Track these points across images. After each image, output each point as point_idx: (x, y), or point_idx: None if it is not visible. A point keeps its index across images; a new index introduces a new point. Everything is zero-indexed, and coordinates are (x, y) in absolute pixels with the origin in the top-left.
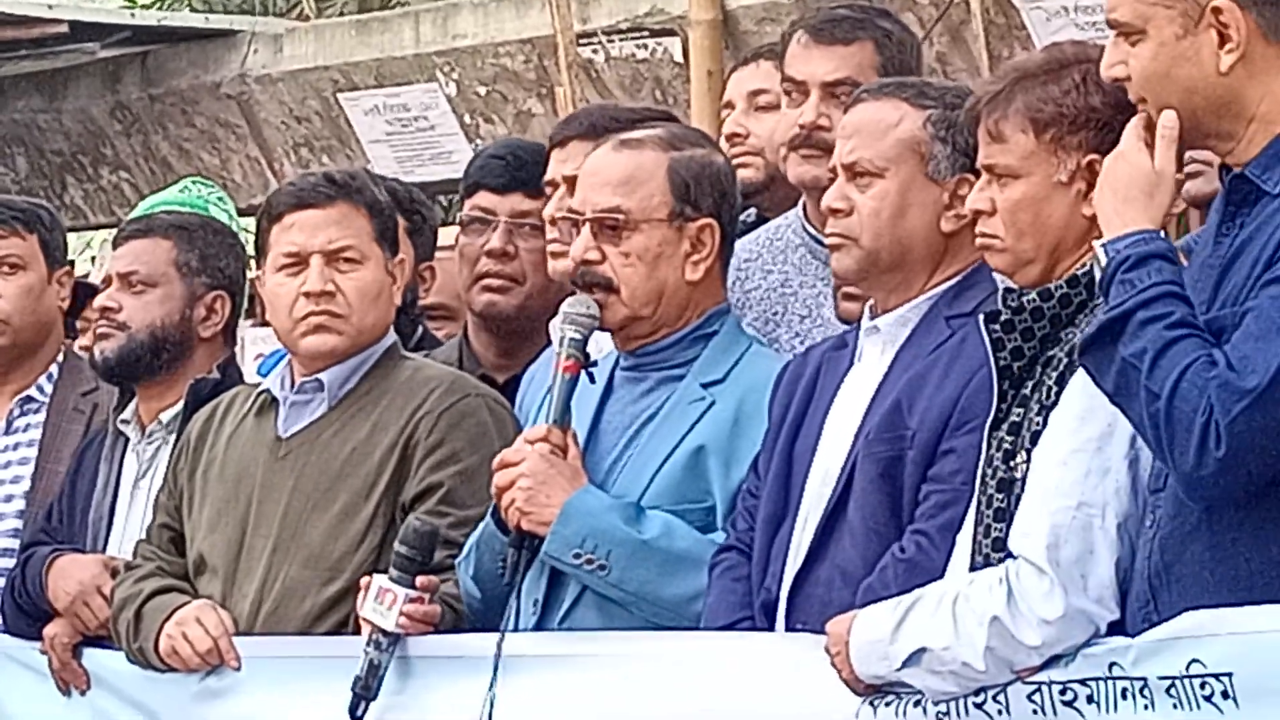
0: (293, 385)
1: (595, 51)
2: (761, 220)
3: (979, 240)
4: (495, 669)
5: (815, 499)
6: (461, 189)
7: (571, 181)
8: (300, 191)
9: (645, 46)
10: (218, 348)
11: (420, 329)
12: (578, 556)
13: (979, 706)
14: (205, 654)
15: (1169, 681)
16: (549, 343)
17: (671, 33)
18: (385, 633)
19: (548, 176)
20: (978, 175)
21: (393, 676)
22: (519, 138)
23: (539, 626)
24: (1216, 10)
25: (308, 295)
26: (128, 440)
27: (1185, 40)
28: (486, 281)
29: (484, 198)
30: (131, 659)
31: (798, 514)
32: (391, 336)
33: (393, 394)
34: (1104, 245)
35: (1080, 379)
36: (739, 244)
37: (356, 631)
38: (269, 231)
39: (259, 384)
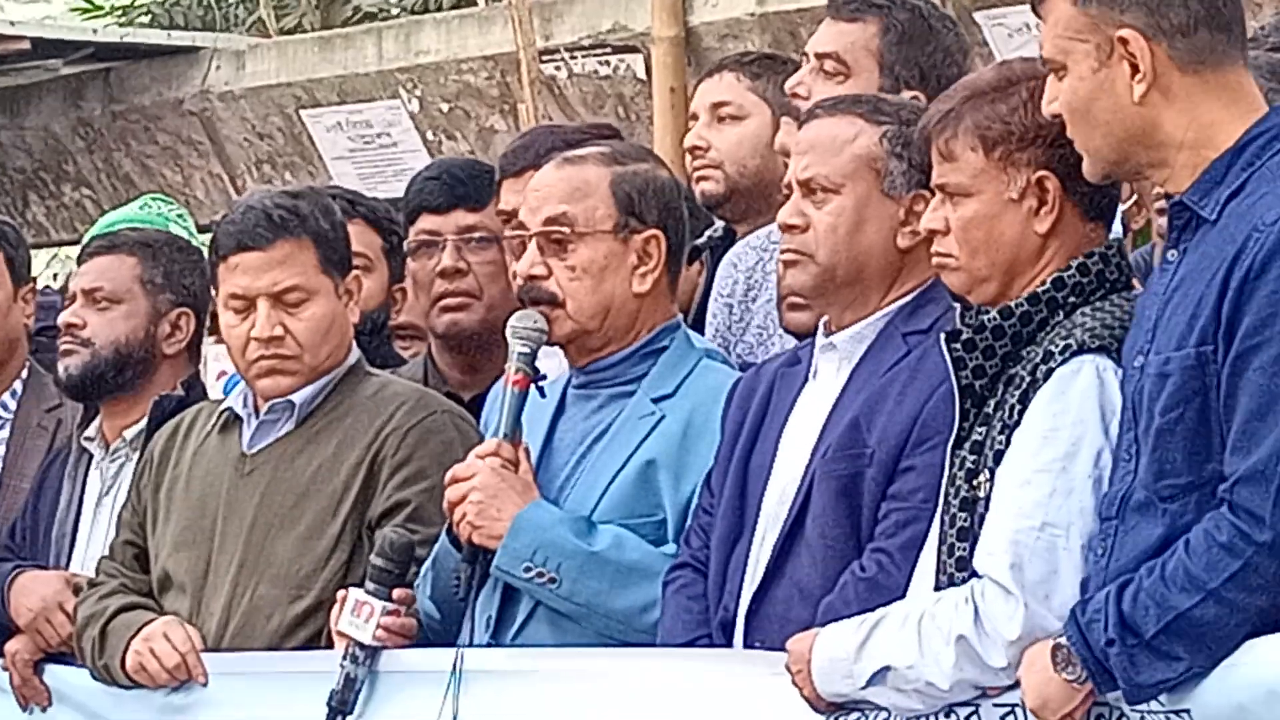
0: (255, 405)
1: (558, 68)
2: (730, 232)
3: (935, 260)
4: (454, 684)
5: (772, 517)
6: (403, 217)
7: None
8: (240, 233)
9: (608, 63)
10: (182, 364)
11: (387, 349)
12: (528, 570)
13: None
14: (173, 669)
15: (1140, 713)
16: None
17: (634, 49)
18: (362, 646)
19: (507, 207)
20: (933, 192)
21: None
22: (452, 156)
23: (493, 643)
24: (1123, 41)
25: (257, 340)
26: (91, 457)
27: (1101, 73)
28: (444, 302)
29: (427, 220)
30: (96, 676)
31: (754, 532)
32: (355, 354)
33: (358, 411)
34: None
35: (1043, 398)
36: (771, 228)
37: (325, 648)
38: (216, 268)
39: (222, 401)
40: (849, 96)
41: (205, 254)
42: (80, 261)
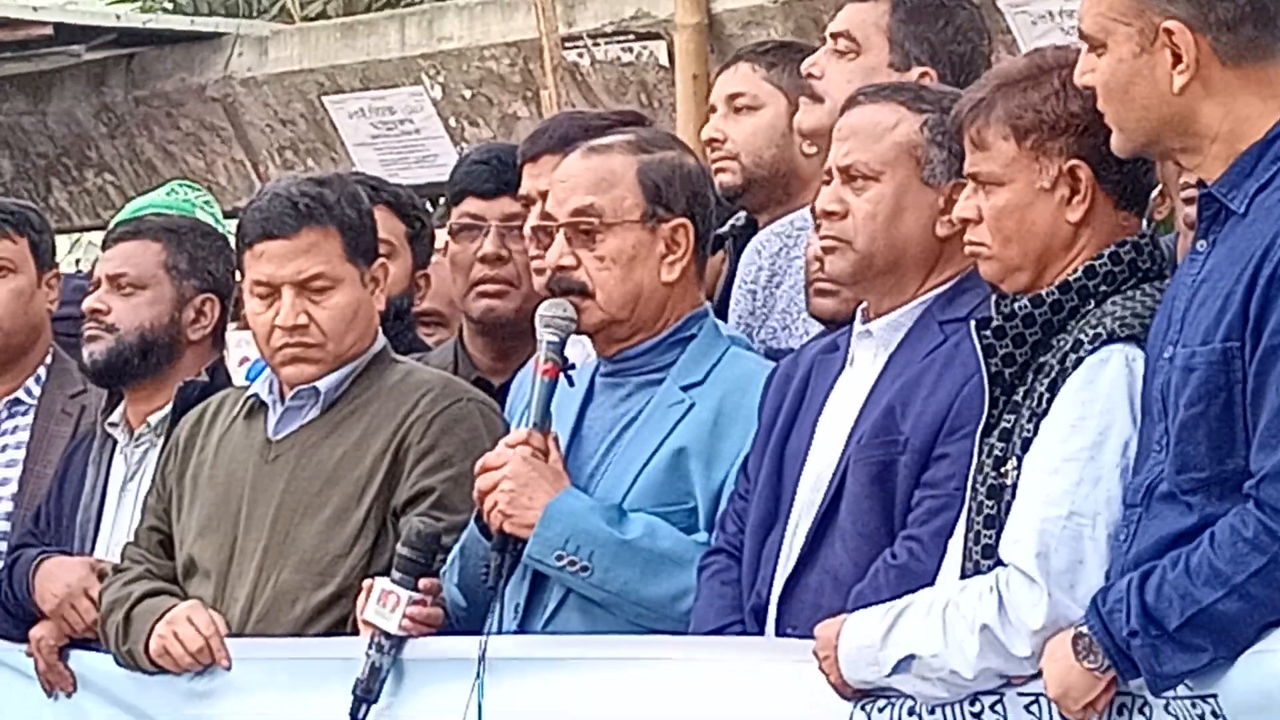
0: (280, 391)
1: (581, 55)
2: (752, 221)
3: (968, 249)
4: (479, 673)
5: (806, 503)
6: (448, 197)
7: (545, 196)
8: (266, 220)
9: (630, 50)
10: (206, 350)
11: (411, 334)
12: (560, 558)
13: (976, 716)
14: (196, 653)
15: (1165, 700)
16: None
17: (657, 36)
18: (388, 635)
19: (523, 191)
20: (967, 181)
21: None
22: (502, 142)
23: (521, 631)
24: (1169, 32)
25: (281, 328)
26: (116, 443)
27: (1142, 58)
28: (483, 288)
29: (472, 204)
30: (120, 661)
31: (789, 518)
32: (381, 341)
33: (384, 398)
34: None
35: (1072, 386)
36: (798, 212)
37: (349, 634)
38: (242, 254)
39: (247, 387)
40: (891, 84)
41: (230, 240)
42: (105, 247)
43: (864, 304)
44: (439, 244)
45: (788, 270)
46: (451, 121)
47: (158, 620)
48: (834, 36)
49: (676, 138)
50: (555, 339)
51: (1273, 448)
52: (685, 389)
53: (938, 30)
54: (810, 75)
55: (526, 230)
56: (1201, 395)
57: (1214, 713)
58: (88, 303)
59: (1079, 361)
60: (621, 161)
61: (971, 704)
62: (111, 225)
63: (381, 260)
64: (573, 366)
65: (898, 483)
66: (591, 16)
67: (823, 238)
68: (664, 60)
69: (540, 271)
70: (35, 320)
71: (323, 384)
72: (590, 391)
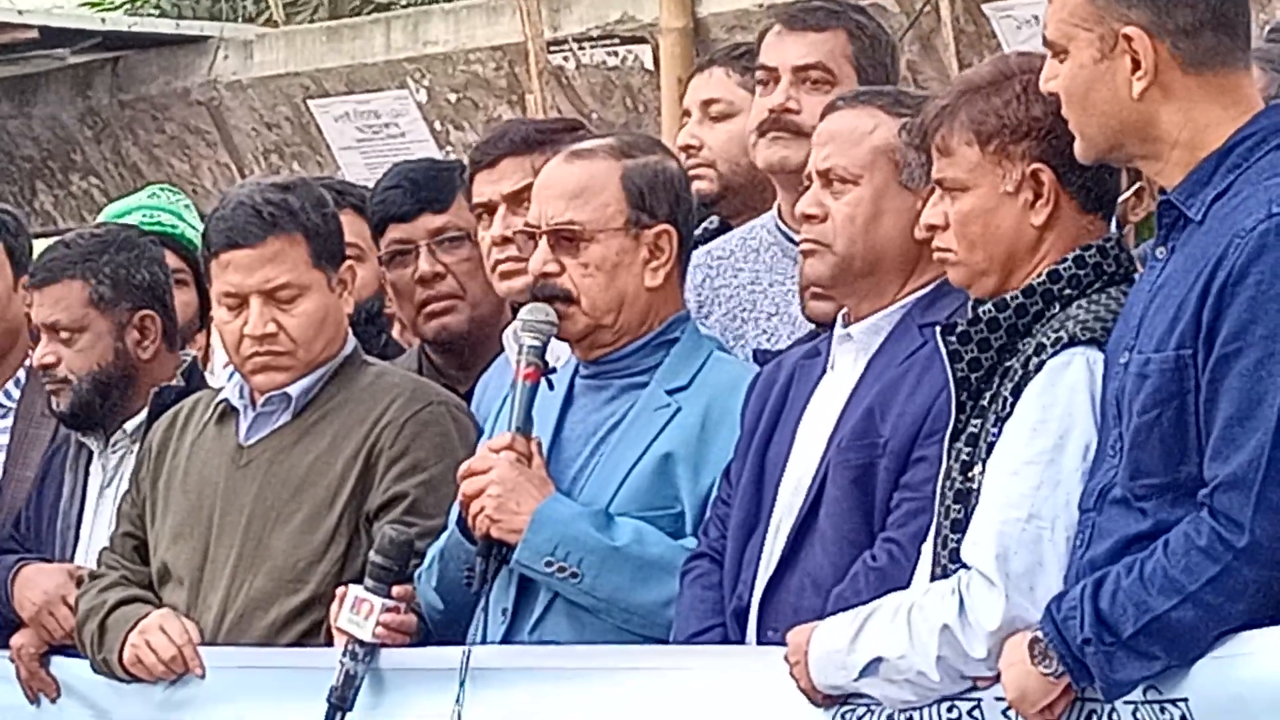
0: (251, 397)
1: (566, 59)
2: (725, 227)
3: (936, 255)
4: (461, 683)
5: (787, 507)
6: (370, 229)
7: (510, 199)
8: (231, 230)
9: (616, 54)
10: (166, 360)
11: (385, 337)
12: (549, 564)
13: None
14: (169, 662)
15: (1133, 706)
16: (501, 350)
17: (642, 40)
18: (361, 643)
19: (482, 199)
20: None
21: (363, 689)
22: (406, 161)
23: (508, 636)
24: (1128, 38)
25: (250, 337)
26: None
27: (1102, 64)
28: (430, 309)
29: (396, 229)
30: (96, 669)
31: (769, 521)
32: (351, 344)
33: (354, 402)
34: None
35: (1034, 389)
36: (714, 243)
37: (325, 642)
38: (209, 263)
39: (220, 390)
40: (870, 89)
41: (148, 242)
42: (29, 290)
43: (845, 309)
44: None
45: (715, 300)
46: (437, 125)
47: (131, 629)
48: (802, 70)
49: (659, 141)
50: (536, 343)
51: (1226, 456)
52: (671, 393)
53: (888, 51)
54: (788, 110)
55: (494, 232)
56: (1155, 402)
57: (1184, 717)
58: (36, 359)
59: (1041, 365)
60: (605, 167)
61: (949, 710)
62: (30, 269)
63: (349, 263)
64: (554, 370)
65: (877, 485)
66: (577, 20)
67: (802, 241)
68: (649, 64)
69: (509, 275)
70: (13, 324)
71: (293, 389)
72: (569, 394)
